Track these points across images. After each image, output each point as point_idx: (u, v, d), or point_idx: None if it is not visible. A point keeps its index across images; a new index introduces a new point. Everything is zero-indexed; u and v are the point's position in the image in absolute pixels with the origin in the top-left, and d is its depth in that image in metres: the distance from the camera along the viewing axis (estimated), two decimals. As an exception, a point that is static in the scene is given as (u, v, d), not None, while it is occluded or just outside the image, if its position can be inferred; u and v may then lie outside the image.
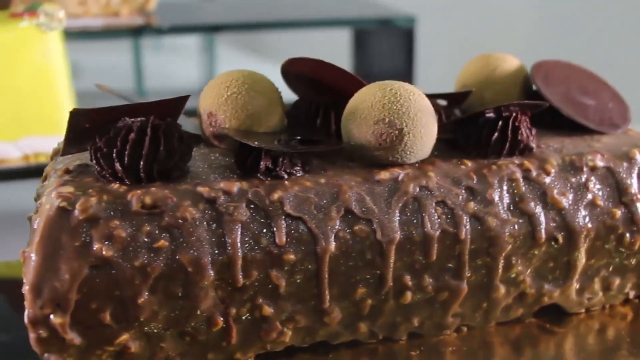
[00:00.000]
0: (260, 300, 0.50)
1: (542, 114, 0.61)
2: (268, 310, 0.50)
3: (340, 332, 0.52)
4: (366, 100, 0.52)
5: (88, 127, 0.51)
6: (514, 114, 0.54)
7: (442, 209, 0.51)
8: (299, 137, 0.53)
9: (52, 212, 0.47)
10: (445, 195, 0.51)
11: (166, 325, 0.48)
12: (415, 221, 0.51)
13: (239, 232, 0.49)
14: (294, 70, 0.59)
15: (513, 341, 0.54)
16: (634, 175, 0.55)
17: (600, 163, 0.54)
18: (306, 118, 0.58)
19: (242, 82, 0.57)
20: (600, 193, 0.54)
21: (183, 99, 0.52)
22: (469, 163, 0.53)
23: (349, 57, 2.04)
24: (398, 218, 0.50)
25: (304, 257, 0.49)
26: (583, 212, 0.53)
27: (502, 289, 0.53)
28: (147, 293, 0.48)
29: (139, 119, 0.52)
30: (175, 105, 0.53)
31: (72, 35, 1.43)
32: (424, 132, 0.51)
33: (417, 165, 0.52)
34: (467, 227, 0.51)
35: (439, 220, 0.51)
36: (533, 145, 0.55)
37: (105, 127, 0.51)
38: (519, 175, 0.52)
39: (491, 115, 0.54)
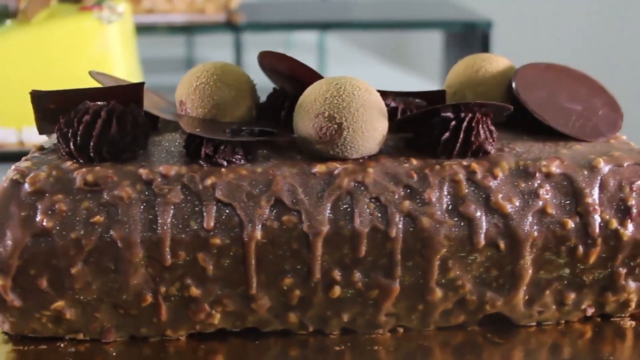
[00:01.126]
0: (189, 281, 0.52)
1: (525, 118, 0.58)
2: (196, 291, 0.52)
3: (270, 320, 0.53)
4: (312, 94, 0.53)
5: (53, 107, 0.55)
6: (470, 114, 0.53)
7: (375, 205, 0.51)
8: (251, 128, 0.55)
9: (6, 184, 0.52)
10: (380, 192, 0.51)
11: (99, 296, 0.52)
12: (346, 216, 0.50)
13: (170, 214, 0.51)
14: (267, 63, 0.60)
15: (454, 348, 0.53)
16: (595, 185, 0.51)
17: (556, 170, 0.52)
18: (273, 110, 0.59)
19: (211, 73, 0.59)
20: (553, 201, 0.51)
21: (140, 86, 0.55)
22: (415, 162, 0.52)
23: (442, 60, 2.01)
24: (329, 211, 0.51)
25: (231, 243, 0.51)
26: (530, 220, 0.51)
27: (439, 293, 0.52)
28: (81, 264, 0.51)
29: (99, 102, 0.55)
30: (134, 91, 0.55)
31: (164, 30, 1.51)
32: (366, 128, 0.51)
33: (360, 160, 0.52)
34: (400, 225, 0.50)
35: (370, 216, 0.50)
36: (489, 147, 0.53)
37: (72, 108, 0.54)
38: (462, 176, 0.51)
39: (447, 114, 0.53)
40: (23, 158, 0.56)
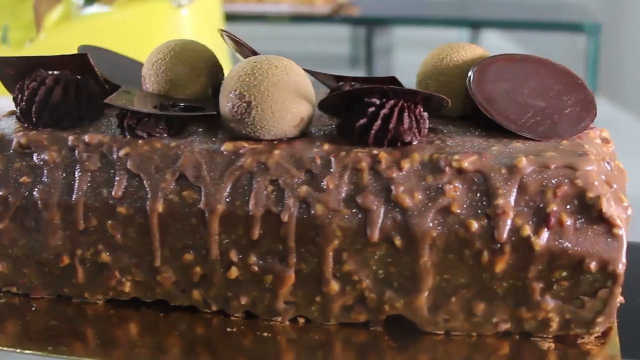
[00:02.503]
0: (101, 247, 0.54)
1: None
2: (107, 257, 0.54)
3: (177, 295, 0.54)
4: (231, 72, 0.52)
5: (13, 73, 0.58)
6: (394, 102, 0.50)
7: (273, 188, 0.50)
8: (182, 104, 0.55)
9: None
10: (280, 175, 0.50)
11: (25, 253, 0.55)
12: (244, 197, 0.50)
13: (87, 180, 0.53)
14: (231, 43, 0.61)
15: (356, 347, 0.51)
16: (513, 186, 0.47)
17: (469, 166, 0.48)
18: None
19: (169, 50, 0.61)
20: (462, 199, 0.47)
21: (84, 57, 0.57)
22: (327, 147, 0.50)
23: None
24: (228, 191, 0.50)
25: (135, 213, 0.53)
26: (431, 217, 0.47)
27: (335, 285, 0.50)
28: (8, 221, 0.54)
29: (53, 71, 0.58)
30: (82, 62, 0.58)
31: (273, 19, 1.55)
32: (276, 108, 0.51)
33: (275, 142, 0.51)
34: (293, 210, 0.49)
35: (266, 199, 0.49)
36: (409, 137, 0.50)
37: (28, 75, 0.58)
38: (365, 165, 0.49)
39: (372, 99, 0.50)
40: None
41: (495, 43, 2.76)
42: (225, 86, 0.54)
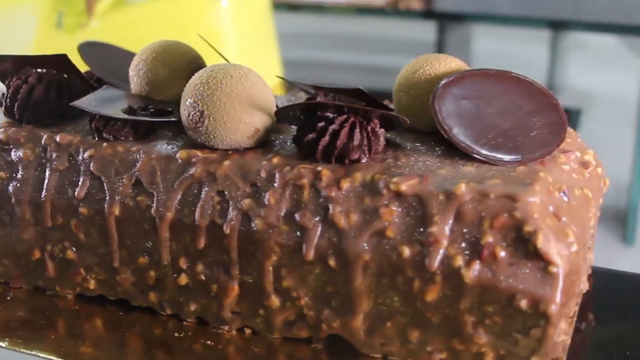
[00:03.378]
0: (67, 244, 0.57)
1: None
2: (72, 254, 0.57)
3: (136, 295, 0.56)
4: (191, 80, 0.53)
5: (5, 70, 0.62)
6: (345, 117, 0.49)
7: (220, 199, 0.51)
8: (152, 108, 0.57)
9: None
10: (227, 187, 0.51)
11: (3, 244, 0.59)
12: (192, 206, 0.51)
13: (55, 179, 0.55)
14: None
15: None
16: (449, 214, 0.46)
17: (407, 190, 0.47)
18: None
19: (152, 51, 0.63)
20: (397, 224, 0.47)
21: (64, 57, 0.59)
22: (275, 160, 0.51)
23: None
24: (178, 199, 0.52)
25: (95, 214, 0.55)
26: (365, 240, 0.47)
27: (276, 300, 0.51)
28: None
29: (39, 70, 0.60)
30: (65, 63, 0.60)
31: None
32: (228, 119, 0.51)
33: (229, 152, 0.52)
34: (235, 223, 0.50)
35: (212, 210, 0.50)
36: (356, 155, 0.50)
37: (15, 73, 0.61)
38: (307, 182, 0.49)
39: (326, 114, 0.50)
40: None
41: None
42: (183, 93, 0.55)
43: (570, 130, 0.61)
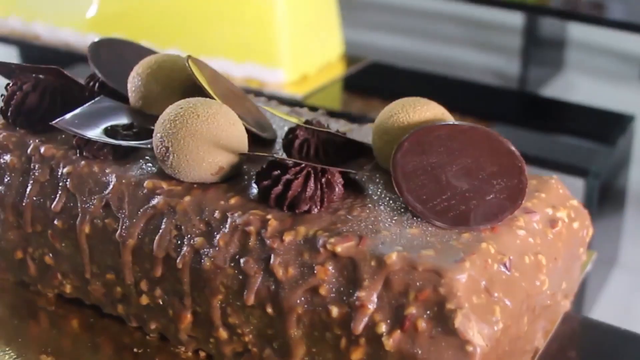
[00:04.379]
0: (46, 250, 0.61)
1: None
2: (49, 260, 0.61)
3: (106, 304, 0.61)
4: (165, 112, 0.56)
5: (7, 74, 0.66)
6: (300, 168, 0.52)
7: (177, 233, 0.54)
8: (134, 130, 0.60)
9: None
10: (184, 222, 0.54)
11: None
12: (152, 235, 0.55)
13: (36, 190, 0.60)
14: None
15: None
16: (379, 280, 0.48)
17: (342, 251, 0.49)
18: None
19: (147, 67, 0.66)
20: (331, 282, 0.50)
21: (57, 71, 0.63)
22: (233, 201, 0.53)
23: None
24: (141, 227, 0.55)
25: (69, 229, 0.58)
26: (300, 294, 0.50)
27: (224, 333, 0.56)
28: None
29: (40, 76, 0.64)
30: (59, 75, 0.63)
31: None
32: (191, 157, 0.55)
33: (195, 185, 0.55)
34: (187, 259, 0.53)
35: (168, 243, 0.54)
36: (306, 206, 0.52)
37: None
38: (254, 229, 0.51)
39: (281, 161, 0.52)
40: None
41: None
42: (156, 125, 0.58)
43: (553, 180, 0.61)
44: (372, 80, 1.70)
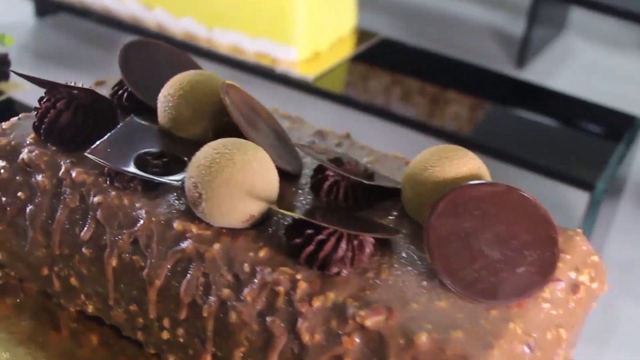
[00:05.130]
0: (72, 272, 0.61)
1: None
2: (75, 281, 0.62)
3: (127, 328, 0.61)
4: (198, 154, 0.56)
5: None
6: (334, 229, 0.51)
7: (204, 280, 0.54)
8: (165, 159, 0.59)
9: None
10: (212, 271, 0.55)
11: (17, 251, 0.63)
12: (179, 278, 0.55)
13: (66, 214, 0.60)
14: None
15: None
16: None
17: (371, 325, 0.49)
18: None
19: (179, 87, 0.65)
20: (355, 354, 0.50)
21: (92, 92, 0.62)
22: (262, 253, 0.53)
23: None
24: (168, 268, 0.55)
25: (97, 259, 0.59)
26: None
27: None
28: (5, 224, 0.62)
29: (74, 92, 0.63)
30: (94, 96, 0.63)
31: None
32: (224, 206, 0.56)
33: (224, 230, 0.55)
34: (213, 309, 0.54)
35: (195, 289, 0.54)
36: (337, 269, 0.52)
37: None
38: (283, 289, 0.52)
39: (320, 223, 0.52)
40: (21, 115, 0.67)
41: None
42: (189, 166, 0.57)
43: (578, 238, 0.60)
44: (381, 59, 1.67)
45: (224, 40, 1.62)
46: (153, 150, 0.63)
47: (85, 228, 0.62)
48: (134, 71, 0.72)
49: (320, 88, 1.49)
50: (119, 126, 0.65)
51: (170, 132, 0.66)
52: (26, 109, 0.99)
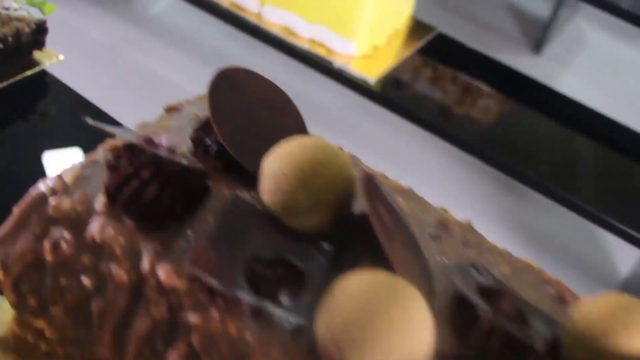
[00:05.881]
0: None
1: None
2: None
3: None
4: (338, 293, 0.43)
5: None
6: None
7: None
8: (280, 268, 0.47)
9: (36, 192, 0.51)
10: None
11: (70, 339, 0.51)
12: None
13: (147, 325, 0.50)
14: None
15: None
16: None
17: None
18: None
19: (297, 168, 0.51)
20: None
21: (182, 165, 0.48)
22: None
23: None
24: None
25: None
26: None
27: None
28: (62, 309, 0.51)
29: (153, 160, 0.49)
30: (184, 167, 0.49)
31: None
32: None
33: None
34: None
35: None
36: None
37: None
38: None
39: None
40: (85, 159, 0.53)
41: None
42: (324, 306, 0.44)
43: None
44: (440, 59, 1.54)
45: (275, 18, 1.44)
46: (264, 255, 0.50)
47: (174, 347, 0.49)
48: (223, 114, 0.57)
49: (384, 96, 1.34)
50: (220, 212, 0.51)
51: (281, 220, 0.52)
52: (60, 85, 0.82)
